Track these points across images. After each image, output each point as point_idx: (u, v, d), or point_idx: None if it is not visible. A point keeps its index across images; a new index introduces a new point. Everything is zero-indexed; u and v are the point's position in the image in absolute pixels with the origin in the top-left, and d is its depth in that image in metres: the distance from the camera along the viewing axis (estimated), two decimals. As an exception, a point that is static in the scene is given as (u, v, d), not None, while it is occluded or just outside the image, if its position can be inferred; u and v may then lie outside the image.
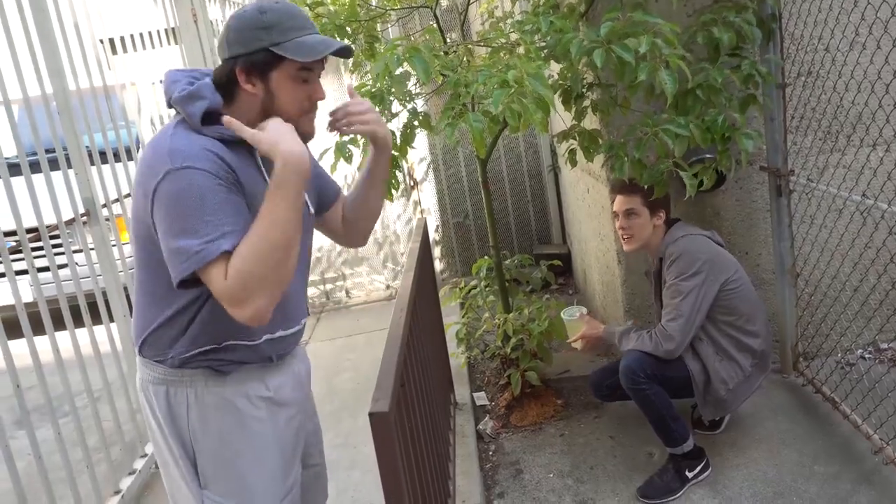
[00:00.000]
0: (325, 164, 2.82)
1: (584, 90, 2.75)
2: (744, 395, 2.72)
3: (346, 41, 2.99)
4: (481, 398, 3.51)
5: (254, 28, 1.45)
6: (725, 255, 2.69)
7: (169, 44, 4.16)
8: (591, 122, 2.94)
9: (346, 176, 5.14)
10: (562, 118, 3.05)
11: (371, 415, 1.43)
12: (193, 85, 1.49)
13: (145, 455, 3.17)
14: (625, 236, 2.75)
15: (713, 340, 2.67)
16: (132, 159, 3.50)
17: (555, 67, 2.77)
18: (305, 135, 1.54)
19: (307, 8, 2.87)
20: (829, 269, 3.05)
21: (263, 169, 1.56)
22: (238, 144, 1.49)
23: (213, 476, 1.61)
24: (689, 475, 2.66)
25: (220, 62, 1.53)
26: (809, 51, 2.92)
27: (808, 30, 2.83)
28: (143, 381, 1.64)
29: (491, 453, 3.10)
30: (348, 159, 2.66)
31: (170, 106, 1.53)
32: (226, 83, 1.51)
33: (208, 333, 1.54)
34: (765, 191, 3.17)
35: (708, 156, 2.76)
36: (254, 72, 1.48)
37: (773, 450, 2.77)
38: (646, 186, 2.63)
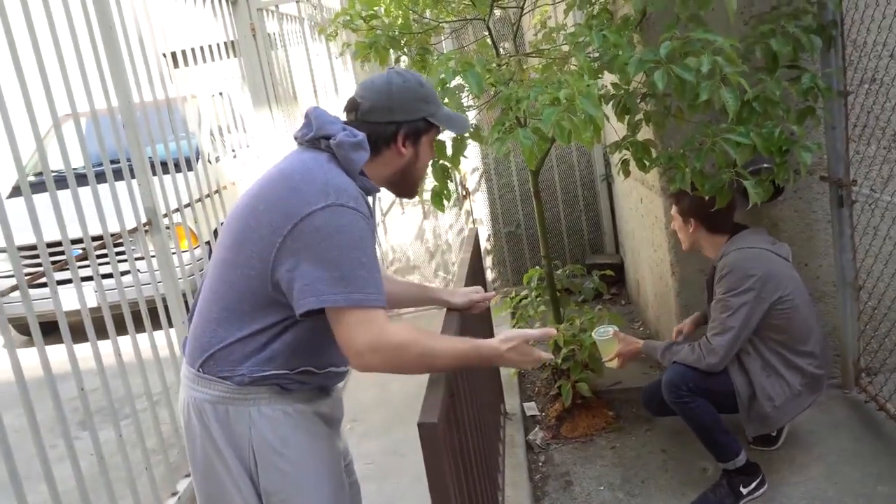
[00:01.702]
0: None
1: (639, 102, 2.73)
2: (791, 413, 2.63)
3: (400, 53, 3.04)
4: (532, 408, 3.49)
5: (418, 99, 1.65)
6: (783, 273, 2.59)
7: (228, 57, 4.28)
8: (644, 132, 2.91)
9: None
10: (614, 128, 3.03)
11: (420, 425, 1.44)
12: (356, 136, 1.59)
13: (202, 458, 3.24)
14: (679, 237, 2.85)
15: (761, 356, 2.60)
16: (192, 170, 3.61)
17: (608, 77, 2.75)
18: (415, 194, 1.81)
19: (362, 21, 2.92)
20: (893, 281, 2.95)
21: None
22: (367, 196, 1.62)
23: (276, 492, 1.64)
24: (744, 491, 2.60)
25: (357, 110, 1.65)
26: (873, 57, 2.83)
27: (872, 36, 2.75)
28: (197, 401, 1.62)
29: (541, 464, 3.08)
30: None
31: (310, 140, 1.61)
32: (377, 141, 1.63)
33: (285, 359, 1.58)
34: (825, 201, 3.09)
35: (765, 165, 2.71)
36: (410, 136, 1.65)
37: (834, 468, 2.69)
38: (675, 191, 2.64)
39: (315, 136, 1.60)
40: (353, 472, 1.94)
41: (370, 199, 1.66)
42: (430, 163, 2.72)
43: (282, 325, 1.56)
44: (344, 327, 1.47)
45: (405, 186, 1.75)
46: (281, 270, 1.49)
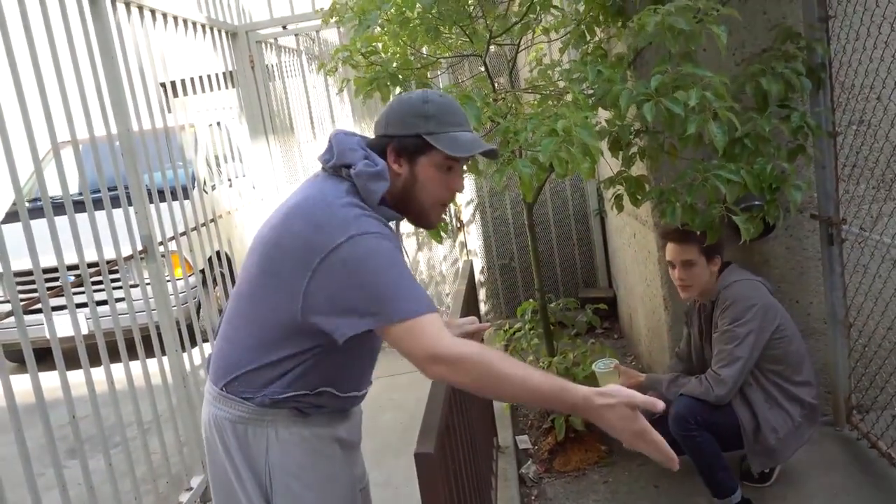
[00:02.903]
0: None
1: (632, 137, 2.77)
2: (794, 446, 2.66)
3: (401, 89, 3.07)
4: (524, 441, 3.48)
5: (415, 115, 1.57)
6: (776, 303, 2.67)
7: (227, 87, 4.33)
8: (637, 168, 2.95)
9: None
10: (608, 163, 3.07)
11: (416, 455, 1.44)
12: (376, 164, 1.56)
13: (190, 489, 3.21)
14: (683, 285, 2.71)
15: (762, 388, 2.63)
16: (188, 198, 3.62)
17: (602, 114, 2.79)
18: (430, 225, 1.69)
19: (361, 57, 2.97)
20: (883, 319, 2.97)
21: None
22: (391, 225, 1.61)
23: None
24: (737, 528, 2.60)
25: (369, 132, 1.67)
26: (861, 99, 2.89)
27: (860, 79, 2.81)
28: (217, 419, 1.64)
29: (533, 498, 3.06)
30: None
31: (335, 167, 1.58)
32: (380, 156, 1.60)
33: (307, 380, 1.58)
34: (816, 239, 3.12)
35: (756, 203, 2.75)
36: (403, 154, 1.59)
37: (826, 506, 2.69)
38: (698, 232, 2.61)
39: (336, 164, 1.58)
40: (369, 497, 1.93)
41: (392, 224, 1.65)
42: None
43: (310, 352, 1.56)
44: (401, 342, 1.45)
45: (411, 210, 1.65)
46: (315, 304, 1.48)
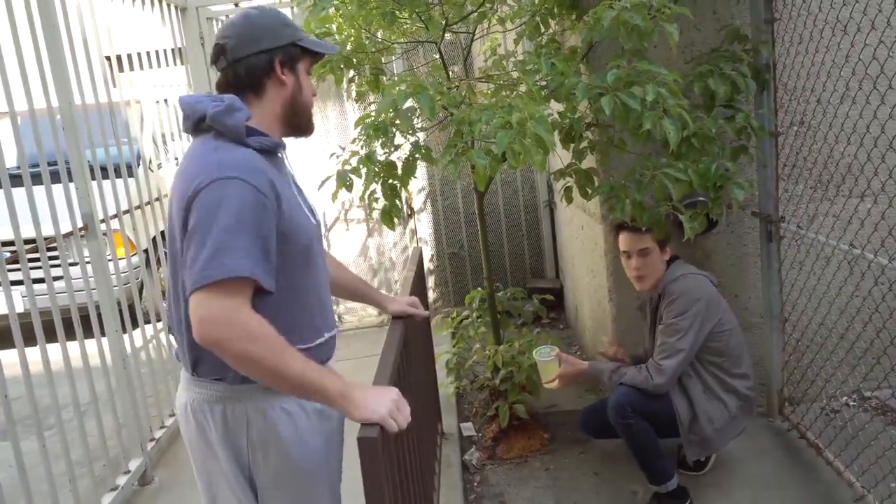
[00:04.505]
0: (326, 191, 2.85)
1: (584, 130, 2.80)
2: (729, 436, 2.74)
3: (352, 72, 3.05)
4: (468, 429, 3.51)
5: (280, 25, 1.59)
6: (718, 298, 2.74)
7: (176, 64, 4.22)
8: (587, 161, 2.99)
9: (344, 202, 5.18)
10: (559, 156, 3.10)
11: (359, 440, 1.44)
12: (223, 101, 1.52)
13: (128, 472, 3.15)
14: (639, 275, 2.75)
15: (701, 379, 2.70)
16: (132, 175, 3.53)
17: (555, 106, 2.82)
18: (312, 130, 1.69)
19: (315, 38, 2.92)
20: (816, 315, 3.08)
21: (291, 175, 1.65)
22: (271, 154, 1.57)
23: (270, 492, 1.63)
24: (672, 515, 2.67)
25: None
26: (802, 101, 2.99)
27: (801, 81, 2.90)
28: (195, 402, 1.62)
29: (476, 484, 3.09)
30: (349, 187, 2.70)
31: (194, 128, 1.56)
32: (255, 77, 1.57)
33: None
34: (756, 236, 3.22)
35: (701, 199, 2.82)
36: (287, 63, 1.59)
37: (757, 494, 2.78)
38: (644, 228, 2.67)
39: (193, 122, 1.55)
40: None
41: (282, 156, 1.63)
42: (376, 178, 2.73)
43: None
44: (206, 296, 1.39)
45: (299, 121, 1.65)
46: None
